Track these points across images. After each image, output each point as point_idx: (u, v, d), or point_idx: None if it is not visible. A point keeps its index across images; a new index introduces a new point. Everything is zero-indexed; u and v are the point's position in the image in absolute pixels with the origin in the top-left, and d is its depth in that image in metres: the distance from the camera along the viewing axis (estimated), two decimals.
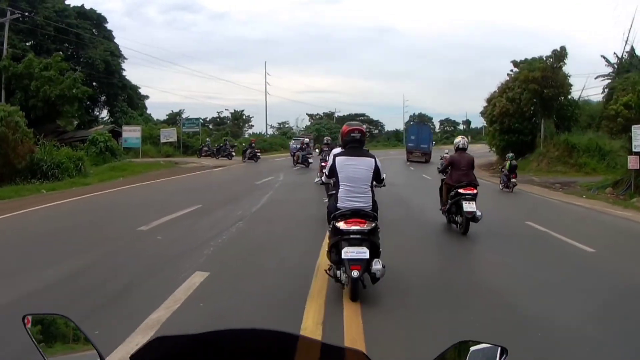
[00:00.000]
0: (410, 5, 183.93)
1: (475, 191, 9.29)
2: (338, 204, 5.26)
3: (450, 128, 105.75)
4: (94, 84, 51.00)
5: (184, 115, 71.34)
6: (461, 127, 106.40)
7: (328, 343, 0.95)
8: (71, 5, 48.00)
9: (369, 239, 5.03)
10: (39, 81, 28.77)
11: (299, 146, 34.45)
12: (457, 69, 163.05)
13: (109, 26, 52.44)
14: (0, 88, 29.10)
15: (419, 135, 43.42)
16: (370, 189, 5.38)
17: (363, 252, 4.89)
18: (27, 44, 34.70)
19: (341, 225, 5.06)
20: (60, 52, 35.81)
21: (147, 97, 57.60)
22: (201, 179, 20.62)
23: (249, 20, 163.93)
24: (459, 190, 9.29)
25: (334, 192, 5.64)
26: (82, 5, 48.86)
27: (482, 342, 1.15)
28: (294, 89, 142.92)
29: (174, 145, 40.56)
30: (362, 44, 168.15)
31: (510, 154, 21.63)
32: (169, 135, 39.90)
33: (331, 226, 5.25)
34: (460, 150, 9.99)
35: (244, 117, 74.15)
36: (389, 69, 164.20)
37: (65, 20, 44.47)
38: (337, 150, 6.60)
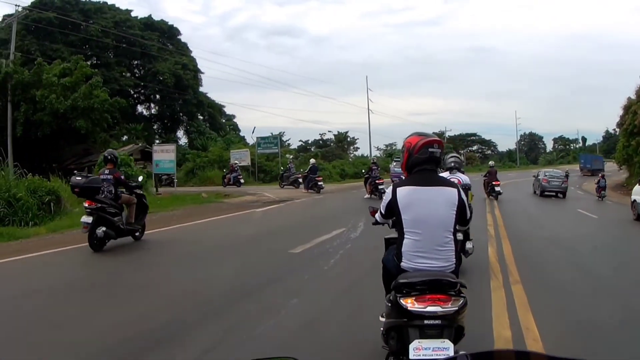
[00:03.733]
0: (508, 23, 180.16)
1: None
2: (403, 263, 3.40)
3: (564, 146, 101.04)
4: (156, 97, 46.57)
5: (285, 139, 66.73)
6: (579, 144, 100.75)
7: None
8: (138, 17, 43.80)
9: (454, 325, 3.18)
10: (47, 89, 22.80)
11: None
12: (559, 86, 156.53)
13: (185, 40, 47.43)
14: (6, 100, 23.20)
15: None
16: (453, 238, 3.42)
17: (445, 349, 3.05)
18: (79, 55, 28.65)
19: (410, 304, 3.17)
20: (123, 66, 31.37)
21: (233, 116, 53.20)
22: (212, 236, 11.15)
23: (348, 45, 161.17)
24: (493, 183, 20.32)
25: (393, 237, 3.76)
26: (150, 16, 44.14)
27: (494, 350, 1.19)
28: (399, 111, 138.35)
29: (248, 170, 33.76)
30: (464, 65, 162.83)
31: None
32: (240, 157, 32.93)
33: (391, 298, 3.37)
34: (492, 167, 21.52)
35: (348, 139, 66.64)
36: (492, 89, 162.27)
37: (130, 31, 39.93)
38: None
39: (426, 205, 3.41)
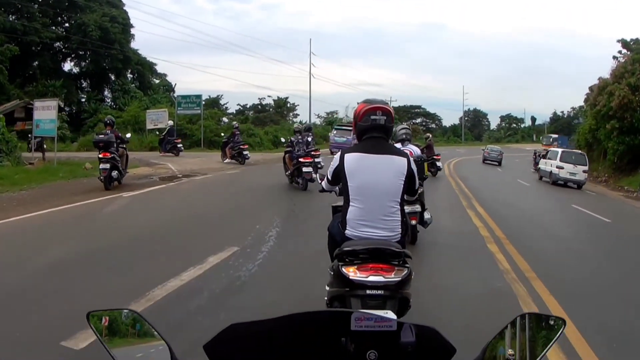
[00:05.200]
0: (461, 4, 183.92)
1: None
2: (347, 231, 3.33)
3: (508, 125, 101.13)
4: (81, 52, 42.47)
5: (222, 102, 63.38)
6: (524, 124, 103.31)
7: (401, 320, 1.01)
8: None
9: (397, 296, 3.14)
10: None
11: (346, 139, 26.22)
12: (507, 66, 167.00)
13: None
14: None
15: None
16: (399, 207, 3.36)
17: (387, 320, 1.67)
18: None
19: (352, 272, 3.10)
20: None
21: (165, 75, 49.33)
22: None
23: (299, 12, 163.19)
24: (434, 157, 19.86)
25: (340, 205, 3.65)
26: None
27: (542, 314, 1.32)
28: (344, 81, 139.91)
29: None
30: (413, 40, 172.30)
31: None
32: (157, 119, 29.56)
33: (334, 267, 3.31)
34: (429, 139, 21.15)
35: (287, 104, 63.59)
36: (440, 65, 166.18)
37: None
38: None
39: (373, 173, 3.32)
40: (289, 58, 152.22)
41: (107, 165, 11.73)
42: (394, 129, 5.90)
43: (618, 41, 33.23)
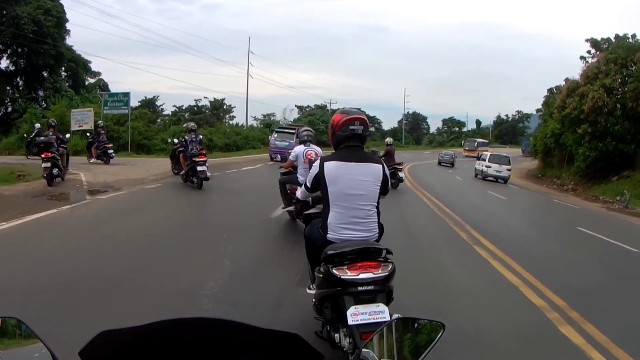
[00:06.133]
0: (403, 4, 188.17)
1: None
2: (329, 235, 3.68)
3: (449, 128, 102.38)
4: (18, 49, 38.45)
5: (158, 103, 60.29)
6: (470, 127, 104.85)
7: (266, 328, 0.99)
8: None
9: (385, 289, 3.47)
10: None
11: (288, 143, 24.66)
12: (448, 70, 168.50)
13: None
14: None
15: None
16: (376, 210, 3.76)
17: (380, 312, 3.28)
18: None
19: (344, 273, 3.41)
20: None
21: (99, 73, 45.61)
22: None
23: (240, 13, 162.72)
24: (396, 166, 17.42)
25: (314, 211, 4.22)
26: None
27: (421, 319, 1.35)
28: (283, 82, 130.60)
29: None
30: (354, 42, 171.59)
31: None
32: (82, 119, 26.02)
33: (322, 269, 3.57)
34: (390, 145, 18.56)
35: (224, 106, 62.48)
36: (380, 67, 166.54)
37: None
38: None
39: (352, 180, 3.62)
40: (229, 59, 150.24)
41: (49, 164, 12.84)
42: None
43: (587, 40, 31.72)
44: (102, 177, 15.39)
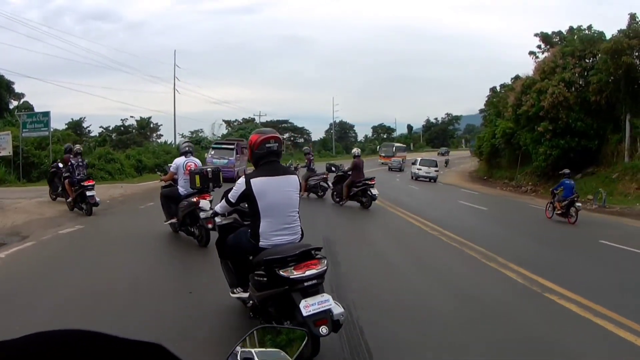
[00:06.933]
0: (327, 13, 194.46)
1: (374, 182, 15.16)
2: (261, 243, 4.26)
3: (384, 135, 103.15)
4: None
5: (85, 125, 55.49)
6: (400, 132, 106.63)
7: (127, 338, 0.91)
8: None
9: (323, 281, 4.13)
10: None
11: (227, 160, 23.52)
12: (372, 76, 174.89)
13: None
14: None
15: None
16: (298, 215, 4.45)
17: (326, 300, 3.88)
18: None
19: (290, 273, 3.90)
20: None
21: (22, 94, 43.54)
22: None
23: (164, 30, 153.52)
24: (367, 182, 14.93)
25: (227, 222, 4.86)
26: None
27: (282, 327, 1.50)
28: (209, 98, 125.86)
29: (11, 162, 22.83)
30: (278, 54, 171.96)
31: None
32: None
33: (264, 273, 4.07)
34: (357, 157, 15.94)
35: (151, 125, 61.20)
36: (305, 78, 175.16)
37: None
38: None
39: (277, 192, 4.22)
40: (158, 75, 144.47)
41: None
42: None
43: (536, 35, 30.39)
44: (12, 217, 11.39)
